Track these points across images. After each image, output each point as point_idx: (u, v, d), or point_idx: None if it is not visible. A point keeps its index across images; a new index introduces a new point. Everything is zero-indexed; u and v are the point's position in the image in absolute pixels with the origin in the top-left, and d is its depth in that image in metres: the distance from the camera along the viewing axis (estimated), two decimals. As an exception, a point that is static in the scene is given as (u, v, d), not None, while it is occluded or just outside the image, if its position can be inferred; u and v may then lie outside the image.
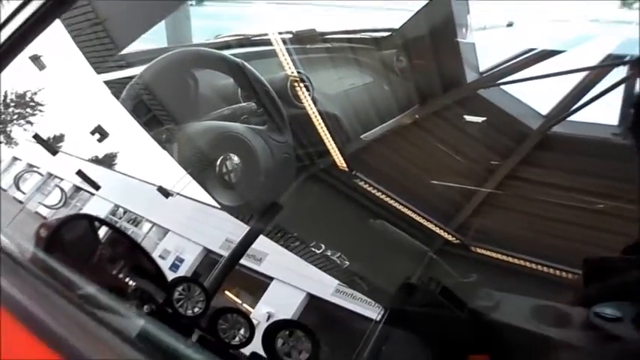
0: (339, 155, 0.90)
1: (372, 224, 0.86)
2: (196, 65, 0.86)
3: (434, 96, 1.10)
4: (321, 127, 0.87)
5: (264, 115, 0.75)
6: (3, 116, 0.97)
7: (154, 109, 0.76)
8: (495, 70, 1.15)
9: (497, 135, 1.08)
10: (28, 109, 0.94)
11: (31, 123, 0.90)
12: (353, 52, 1.12)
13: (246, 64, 0.77)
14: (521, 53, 1.14)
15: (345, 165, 0.90)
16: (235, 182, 0.71)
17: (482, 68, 1.20)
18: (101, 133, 0.84)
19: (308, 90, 0.89)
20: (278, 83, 0.88)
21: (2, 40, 0.68)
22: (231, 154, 0.70)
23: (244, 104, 0.77)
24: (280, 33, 0.98)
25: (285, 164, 0.75)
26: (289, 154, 0.75)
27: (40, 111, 0.88)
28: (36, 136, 0.80)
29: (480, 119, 1.09)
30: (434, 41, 1.04)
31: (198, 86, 0.84)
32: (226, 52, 1.11)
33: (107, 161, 0.90)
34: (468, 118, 1.10)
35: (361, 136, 0.75)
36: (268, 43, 1.10)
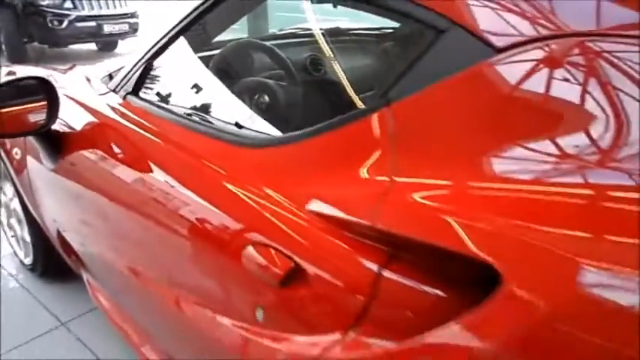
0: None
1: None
2: (249, 48, 1.46)
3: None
4: (325, 87, 1.42)
5: (286, 77, 1.32)
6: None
7: (228, 73, 1.33)
8: None
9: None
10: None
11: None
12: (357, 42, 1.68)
13: (275, 48, 1.33)
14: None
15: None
16: (264, 110, 1.27)
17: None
18: (197, 87, 1.43)
19: (320, 65, 1.45)
20: (302, 60, 1.46)
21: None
22: (264, 95, 1.27)
23: (276, 71, 1.35)
24: (310, 29, 1.57)
25: (294, 102, 1.30)
26: (297, 98, 1.31)
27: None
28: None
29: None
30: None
31: (253, 60, 1.45)
32: (282, 41, 1.72)
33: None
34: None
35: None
36: (310, 35, 1.72)
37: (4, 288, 1.92)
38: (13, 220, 1.95)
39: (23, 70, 1.79)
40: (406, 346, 0.59)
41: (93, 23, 6.37)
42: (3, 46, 6.25)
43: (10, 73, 1.81)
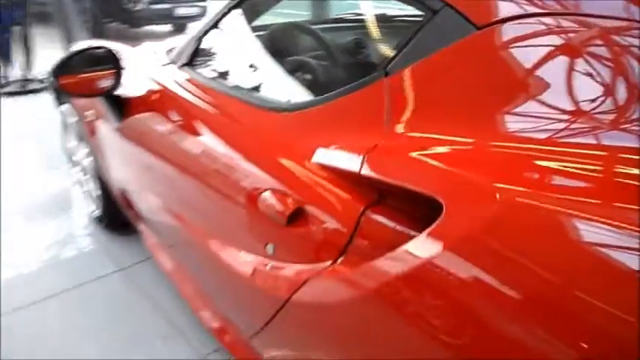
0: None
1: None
2: (297, 31, 1.60)
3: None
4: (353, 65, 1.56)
5: (325, 55, 1.45)
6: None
7: (271, 51, 1.48)
8: None
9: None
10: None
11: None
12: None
13: (316, 31, 1.46)
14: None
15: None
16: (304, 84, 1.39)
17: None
18: (240, 61, 1.58)
19: (363, 46, 1.58)
20: (346, 44, 1.59)
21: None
22: (305, 74, 1.40)
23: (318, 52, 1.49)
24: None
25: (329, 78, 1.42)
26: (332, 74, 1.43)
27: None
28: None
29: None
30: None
31: (298, 40, 1.59)
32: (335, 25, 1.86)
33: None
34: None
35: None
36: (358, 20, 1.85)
37: (75, 235, 2.19)
38: (85, 177, 2.21)
39: (100, 43, 2.02)
40: (378, 263, 0.71)
41: (166, 6, 6.76)
42: (87, 25, 6.75)
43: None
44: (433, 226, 0.63)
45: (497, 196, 0.59)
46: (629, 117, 0.62)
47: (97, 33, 6.66)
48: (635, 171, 0.56)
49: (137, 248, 1.98)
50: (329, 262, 0.81)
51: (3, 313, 1.69)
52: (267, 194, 0.93)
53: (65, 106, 2.15)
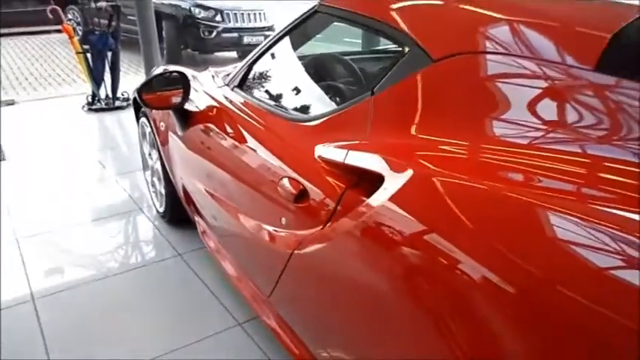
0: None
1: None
2: (316, 61, 1.98)
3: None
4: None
5: (336, 80, 1.80)
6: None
7: (308, 76, 1.85)
8: None
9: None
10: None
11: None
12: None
13: (330, 61, 1.79)
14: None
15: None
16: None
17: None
18: (279, 85, 1.95)
19: (363, 74, 1.92)
20: (351, 72, 1.94)
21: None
22: (320, 94, 1.73)
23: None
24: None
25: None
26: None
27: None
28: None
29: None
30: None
31: (317, 68, 1.95)
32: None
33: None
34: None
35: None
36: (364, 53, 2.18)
37: (141, 227, 2.61)
38: (155, 179, 2.64)
39: (174, 68, 2.46)
40: (345, 222, 1.01)
41: (235, 34, 7.39)
42: (165, 51, 7.50)
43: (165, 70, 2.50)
44: (376, 193, 0.93)
45: (411, 171, 0.88)
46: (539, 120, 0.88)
47: (174, 59, 7.38)
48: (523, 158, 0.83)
49: (192, 239, 2.36)
50: (320, 227, 1.12)
51: (74, 286, 2.11)
52: (283, 181, 1.26)
53: (143, 119, 2.59)
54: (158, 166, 2.51)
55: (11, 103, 5.18)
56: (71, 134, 4.18)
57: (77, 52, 4.81)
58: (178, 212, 2.42)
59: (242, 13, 7.53)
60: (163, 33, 7.35)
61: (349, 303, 1.06)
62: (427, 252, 0.83)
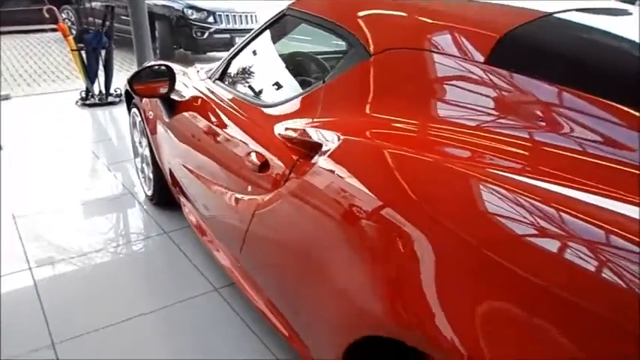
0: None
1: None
2: (282, 56, 2.24)
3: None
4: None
5: (297, 72, 2.07)
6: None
7: (278, 70, 2.14)
8: None
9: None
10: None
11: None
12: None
13: (293, 57, 2.08)
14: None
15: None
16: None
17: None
18: (252, 77, 2.19)
19: (322, 67, 2.17)
20: (312, 66, 2.19)
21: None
22: (282, 84, 2.00)
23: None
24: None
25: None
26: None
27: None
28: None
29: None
30: None
31: (282, 63, 2.20)
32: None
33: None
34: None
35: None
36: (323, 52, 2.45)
37: (131, 209, 2.84)
38: (144, 165, 2.86)
39: (162, 62, 2.70)
40: (295, 181, 1.25)
41: (227, 35, 7.62)
42: (158, 51, 7.71)
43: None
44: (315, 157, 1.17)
45: (341, 137, 1.12)
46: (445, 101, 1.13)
47: (167, 58, 7.59)
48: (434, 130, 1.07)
49: (178, 219, 2.59)
50: (275, 191, 1.36)
51: (67, 258, 2.33)
52: (251, 155, 1.50)
53: (134, 110, 2.82)
54: (147, 152, 2.73)
55: (7, 97, 5.37)
56: (65, 127, 4.39)
57: (72, 50, 5.02)
58: (165, 195, 2.64)
59: (234, 15, 7.76)
60: (156, 33, 7.57)
61: (294, 249, 1.30)
62: (350, 201, 1.07)
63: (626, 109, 0.89)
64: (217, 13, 7.61)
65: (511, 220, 0.80)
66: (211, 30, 7.59)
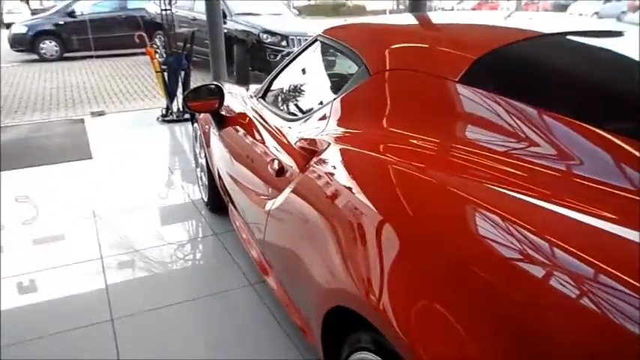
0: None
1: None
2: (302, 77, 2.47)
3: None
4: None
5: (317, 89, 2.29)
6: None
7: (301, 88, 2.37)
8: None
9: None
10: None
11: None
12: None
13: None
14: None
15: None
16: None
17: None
18: (287, 96, 2.46)
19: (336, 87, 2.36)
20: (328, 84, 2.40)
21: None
22: (307, 101, 2.24)
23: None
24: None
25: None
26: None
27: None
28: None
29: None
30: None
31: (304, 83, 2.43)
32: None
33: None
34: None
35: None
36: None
37: (191, 213, 3.18)
38: (202, 173, 3.20)
39: (214, 82, 3.03)
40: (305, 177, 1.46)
41: (297, 58, 8.03)
42: (235, 72, 8.30)
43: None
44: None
45: (333, 144, 1.32)
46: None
47: (242, 79, 8.14)
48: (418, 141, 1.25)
49: (227, 223, 2.88)
50: (291, 188, 1.57)
51: (137, 250, 2.67)
52: (274, 162, 1.73)
53: (195, 125, 3.17)
54: (204, 162, 3.06)
55: (101, 113, 6.07)
56: (146, 140, 4.91)
57: (156, 72, 5.60)
58: (217, 201, 2.94)
59: (306, 39, 8.18)
60: (234, 56, 8.16)
61: (293, 239, 1.50)
62: (328, 195, 1.26)
63: (579, 122, 1.00)
64: (290, 37, 8.07)
65: (452, 219, 0.95)
66: (284, 53, 8.04)
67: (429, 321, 0.88)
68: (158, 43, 10.09)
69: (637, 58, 1.28)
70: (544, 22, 1.68)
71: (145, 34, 6.26)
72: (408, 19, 2.06)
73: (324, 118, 1.62)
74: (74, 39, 11.14)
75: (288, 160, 1.66)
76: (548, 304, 0.74)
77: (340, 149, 1.35)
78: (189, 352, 1.92)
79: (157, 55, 6.46)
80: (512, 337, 0.76)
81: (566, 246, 0.76)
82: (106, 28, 11.15)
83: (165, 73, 5.55)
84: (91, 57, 10.92)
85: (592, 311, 0.69)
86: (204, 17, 6.50)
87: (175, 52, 5.70)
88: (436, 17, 1.91)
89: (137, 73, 9.19)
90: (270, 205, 1.69)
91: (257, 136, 2.04)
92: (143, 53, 6.26)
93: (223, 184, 2.63)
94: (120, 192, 3.52)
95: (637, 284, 0.67)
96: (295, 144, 1.64)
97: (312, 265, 1.32)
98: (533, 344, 0.73)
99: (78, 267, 2.52)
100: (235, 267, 2.49)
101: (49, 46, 11.16)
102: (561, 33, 1.45)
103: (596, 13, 29.54)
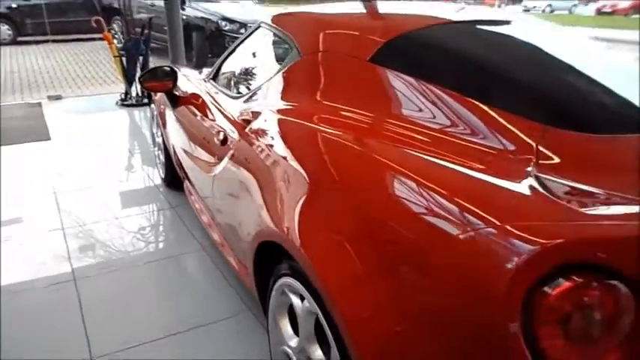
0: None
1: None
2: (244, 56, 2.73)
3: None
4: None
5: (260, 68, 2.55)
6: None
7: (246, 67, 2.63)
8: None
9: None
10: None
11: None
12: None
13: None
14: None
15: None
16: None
17: None
18: (233, 77, 2.70)
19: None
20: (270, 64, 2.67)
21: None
22: (251, 80, 2.49)
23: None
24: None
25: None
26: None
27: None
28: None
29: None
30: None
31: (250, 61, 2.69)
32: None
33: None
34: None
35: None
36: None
37: (151, 191, 3.38)
38: (159, 151, 3.40)
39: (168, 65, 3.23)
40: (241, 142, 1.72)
41: (257, 45, 8.21)
42: (194, 58, 8.40)
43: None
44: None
45: (262, 115, 1.58)
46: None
47: (201, 64, 8.26)
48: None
49: (182, 197, 3.10)
50: (231, 152, 1.82)
51: (97, 221, 2.87)
52: (220, 134, 1.97)
53: (152, 105, 3.36)
54: (160, 140, 3.26)
55: (59, 97, 6.11)
56: (105, 124, 5.03)
57: (114, 56, 5.70)
58: (174, 176, 3.15)
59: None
60: (193, 42, 8.25)
61: (230, 190, 1.77)
62: (265, 152, 1.52)
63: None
64: (249, 25, 8.23)
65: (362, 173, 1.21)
66: (243, 40, 8.20)
67: (327, 246, 1.16)
68: (116, 29, 10.06)
69: (513, 41, 1.60)
70: (468, 14, 1.94)
71: (102, 19, 6.31)
72: (348, 9, 2.31)
73: (262, 94, 1.87)
74: (28, 22, 10.95)
75: (231, 132, 1.90)
76: (406, 211, 1.03)
77: (265, 117, 1.63)
78: (144, 303, 2.15)
79: (116, 41, 6.52)
80: (390, 255, 1.03)
81: (442, 190, 1.01)
82: (63, 12, 10.99)
83: (124, 58, 5.65)
84: (46, 41, 10.77)
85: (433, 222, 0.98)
86: (162, 3, 6.59)
87: (134, 37, 5.81)
88: (379, 7, 2.13)
89: (95, 59, 9.15)
90: (215, 170, 1.94)
91: (207, 114, 2.27)
92: (101, 38, 6.31)
93: (178, 159, 2.85)
94: (79, 170, 3.67)
95: (478, 211, 0.93)
96: (238, 117, 1.89)
97: (247, 212, 1.58)
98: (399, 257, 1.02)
99: (41, 237, 2.70)
100: (190, 235, 2.72)
101: (1, 30, 10.93)
102: (465, 21, 1.75)
103: (549, 5, 30.74)
